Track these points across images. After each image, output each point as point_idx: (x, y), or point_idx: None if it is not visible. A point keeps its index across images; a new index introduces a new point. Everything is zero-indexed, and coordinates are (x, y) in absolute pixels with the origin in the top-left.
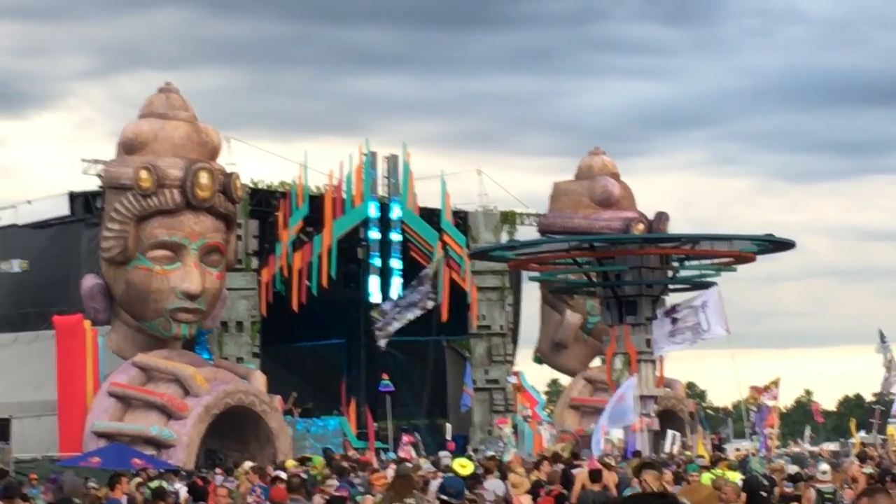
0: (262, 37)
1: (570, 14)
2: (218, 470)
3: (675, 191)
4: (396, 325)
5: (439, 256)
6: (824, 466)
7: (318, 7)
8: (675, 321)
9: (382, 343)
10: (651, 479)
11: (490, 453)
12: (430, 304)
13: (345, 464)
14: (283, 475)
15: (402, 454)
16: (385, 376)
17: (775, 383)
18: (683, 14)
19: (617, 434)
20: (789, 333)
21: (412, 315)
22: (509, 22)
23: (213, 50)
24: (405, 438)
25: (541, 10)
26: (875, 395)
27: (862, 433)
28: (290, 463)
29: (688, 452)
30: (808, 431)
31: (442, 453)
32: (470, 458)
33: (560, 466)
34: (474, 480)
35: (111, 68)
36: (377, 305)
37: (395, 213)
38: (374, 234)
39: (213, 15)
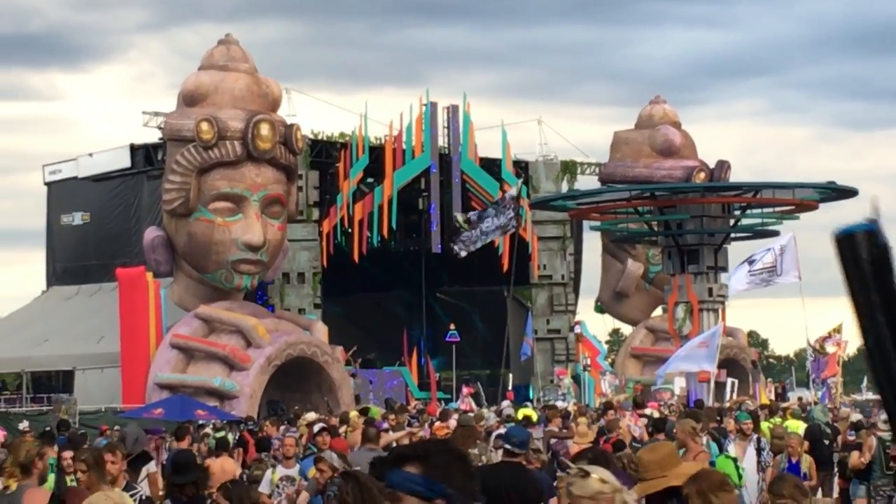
0: None
1: None
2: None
3: (736, 139)
4: (480, 244)
5: (519, 181)
6: (885, 415)
7: None
8: (751, 262)
9: (463, 253)
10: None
11: (552, 402)
12: (512, 230)
13: (406, 413)
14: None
15: (462, 406)
16: (452, 326)
17: (837, 329)
18: None
19: (679, 383)
20: None
21: (496, 236)
22: None
23: (270, 2)
24: (465, 390)
25: None
26: None
27: None
28: (353, 414)
29: (748, 402)
30: (865, 381)
31: (504, 403)
32: (533, 407)
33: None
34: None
35: (170, 21)
36: (464, 215)
37: (456, 158)
38: (435, 184)
39: None
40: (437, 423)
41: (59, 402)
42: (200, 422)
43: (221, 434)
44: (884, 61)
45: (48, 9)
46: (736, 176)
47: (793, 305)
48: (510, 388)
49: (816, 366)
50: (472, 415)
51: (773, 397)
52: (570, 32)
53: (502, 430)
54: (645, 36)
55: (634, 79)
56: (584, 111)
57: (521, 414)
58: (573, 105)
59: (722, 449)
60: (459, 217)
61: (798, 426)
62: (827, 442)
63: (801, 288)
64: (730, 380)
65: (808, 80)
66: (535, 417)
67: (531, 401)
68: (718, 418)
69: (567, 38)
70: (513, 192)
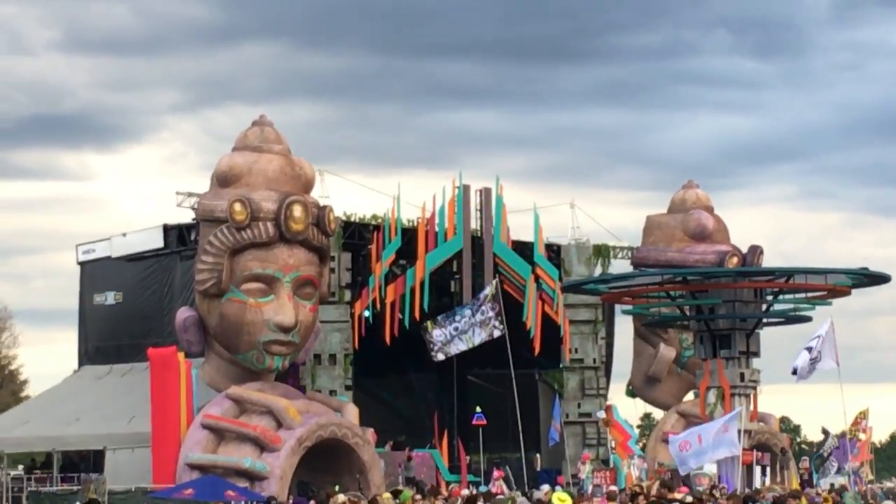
0: (350, 71)
1: (658, 47)
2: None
3: (767, 224)
4: (461, 346)
5: (495, 281)
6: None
7: (405, 41)
8: (810, 350)
9: (440, 356)
10: None
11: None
12: (497, 333)
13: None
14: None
15: (493, 489)
16: (478, 409)
17: (864, 414)
18: (773, 48)
19: (710, 469)
20: (885, 368)
21: (479, 339)
22: (596, 55)
23: (301, 84)
24: (496, 473)
25: (628, 44)
26: None
27: None
28: (385, 496)
29: (777, 487)
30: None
31: (544, 488)
32: (570, 493)
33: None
34: None
35: (202, 102)
36: (432, 321)
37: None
38: (467, 267)
39: (302, 49)
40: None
41: (87, 481)
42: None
43: None
44: None
45: (80, 90)
46: (767, 261)
47: (825, 391)
48: (539, 468)
49: (843, 451)
50: (502, 497)
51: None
52: (598, 116)
53: None
54: (674, 121)
55: (665, 163)
56: (616, 195)
57: (555, 498)
58: (605, 189)
59: None
60: (428, 324)
61: None
62: None
63: (840, 374)
64: (758, 465)
65: (837, 165)
66: (569, 503)
67: (565, 488)
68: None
69: (596, 122)
70: (486, 291)
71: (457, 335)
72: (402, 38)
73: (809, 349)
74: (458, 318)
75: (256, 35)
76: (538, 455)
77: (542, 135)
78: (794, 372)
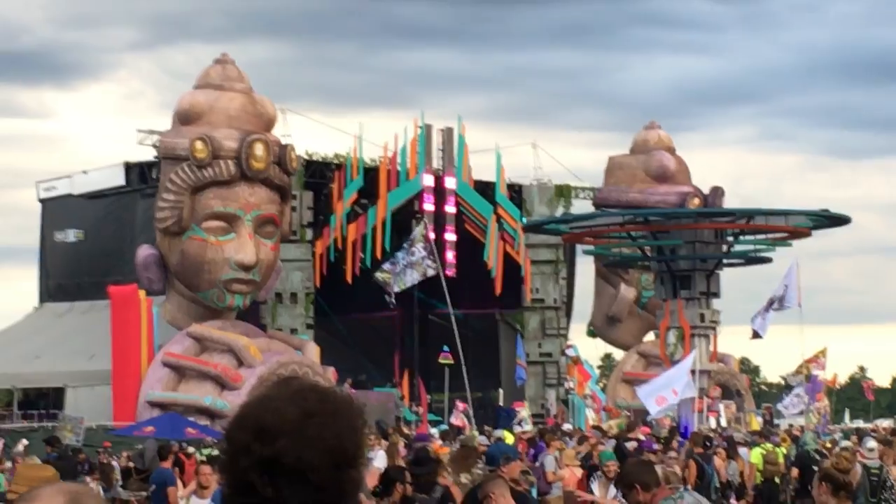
0: (308, 9)
1: None
2: None
3: (726, 166)
4: (396, 288)
5: (423, 222)
6: (871, 444)
7: None
8: (771, 303)
9: (396, 289)
10: None
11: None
12: (431, 272)
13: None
14: None
15: (455, 421)
16: (446, 351)
17: (822, 353)
18: None
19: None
20: (842, 310)
21: (411, 279)
22: None
23: (260, 22)
24: (460, 405)
25: None
26: None
27: None
28: None
29: (739, 427)
30: (847, 415)
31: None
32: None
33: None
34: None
35: (159, 40)
36: (381, 271)
37: (451, 182)
38: (429, 206)
39: None
40: (436, 444)
41: (63, 419)
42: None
43: (208, 451)
44: (872, 90)
45: (37, 26)
46: (726, 203)
47: (784, 332)
48: (500, 404)
49: (812, 388)
50: (464, 437)
51: (761, 423)
52: (558, 57)
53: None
54: (633, 62)
55: (624, 104)
56: (577, 136)
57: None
58: (566, 130)
59: (705, 473)
60: (379, 275)
61: (780, 453)
62: (816, 469)
63: (801, 315)
64: (722, 403)
65: (796, 107)
66: (510, 440)
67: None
68: (706, 443)
69: (556, 62)
70: (415, 232)
71: (395, 276)
72: None
73: (769, 304)
74: (398, 260)
75: None
76: (500, 391)
77: (502, 75)
78: (756, 335)
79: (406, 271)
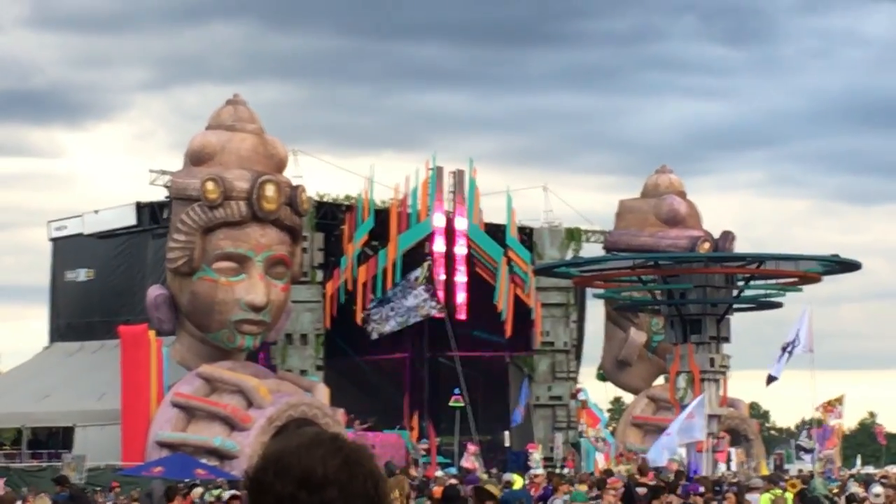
0: (319, 51)
1: (626, 32)
2: None
3: (736, 210)
4: (395, 326)
5: (427, 264)
6: (877, 489)
7: (375, 23)
8: (785, 348)
9: (374, 335)
10: None
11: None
12: (434, 313)
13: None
14: None
15: (466, 464)
16: (457, 394)
17: (839, 400)
18: (741, 34)
19: (680, 452)
20: (852, 355)
21: (414, 320)
22: (566, 39)
23: (271, 64)
24: (470, 448)
25: (597, 28)
26: None
27: None
28: None
29: (751, 472)
30: (858, 461)
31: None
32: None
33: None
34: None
35: (171, 80)
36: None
37: (461, 224)
38: (439, 247)
39: (272, 29)
40: (435, 487)
41: (67, 458)
42: (196, 481)
43: (217, 492)
44: (882, 136)
45: (49, 66)
46: (736, 247)
47: (795, 377)
48: (508, 445)
49: (822, 436)
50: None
51: (772, 468)
52: (569, 100)
53: None
54: (644, 106)
55: (635, 148)
56: (588, 179)
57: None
58: (577, 173)
59: None
60: (363, 315)
61: (789, 498)
62: None
63: (813, 360)
64: (732, 449)
65: (806, 152)
66: (518, 484)
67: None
68: (717, 488)
69: (566, 105)
70: (415, 273)
71: (393, 315)
72: (371, 19)
73: (784, 349)
74: (390, 298)
75: (226, 14)
76: (507, 433)
77: (513, 118)
78: (771, 379)
79: (410, 313)
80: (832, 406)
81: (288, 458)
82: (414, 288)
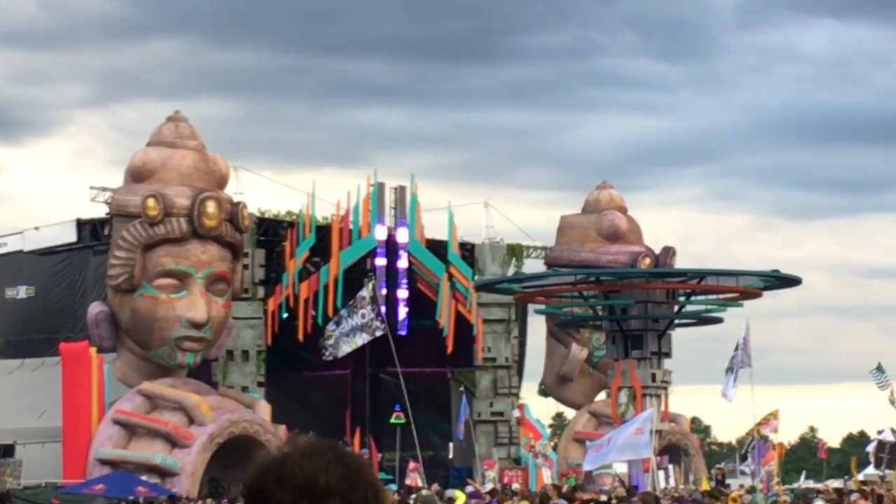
0: (258, 67)
1: (565, 48)
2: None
3: (675, 226)
4: (347, 348)
5: (372, 283)
6: (818, 503)
7: (313, 39)
8: (731, 368)
9: (328, 357)
10: None
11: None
12: (379, 333)
13: None
14: None
15: (408, 481)
16: (398, 410)
17: (774, 415)
18: (679, 50)
19: (620, 468)
20: (792, 370)
21: (362, 340)
22: (504, 55)
23: (210, 80)
24: (412, 465)
25: (536, 44)
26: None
27: (870, 468)
28: None
29: (692, 486)
30: (802, 476)
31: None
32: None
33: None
34: None
35: (109, 97)
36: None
37: (403, 236)
38: (381, 261)
39: (210, 45)
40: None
41: (4, 465)
42: (140, 498)
43: None
44: (820, 151)
45: None
46: (676, 262)
47: (736, 392)
48: (452, 467)
49: (757, 453)
50: (426, 492)
51: (713, 484)
52: (509, 116)
53: None
54: (584, 121)
55: (575, 163)
56: (529, 195)
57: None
58: (518, 189)
59: None
60: (326, 330)
61: None
62: None
63: (752, 375)
64: (670, 466)
65: (745, 168)
66: (461, 500)
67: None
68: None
69: (506, 121)
70: (363, 292)
71: (341, 337)
72: (309, 35)
73: (730, 369)
74: (341, 320)
75: (164, 30)
76: (451, 444)
77: (454, 134)
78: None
79: (355, 333)
80: (767, 420)
81: (290, 467)
82: (362, 307)
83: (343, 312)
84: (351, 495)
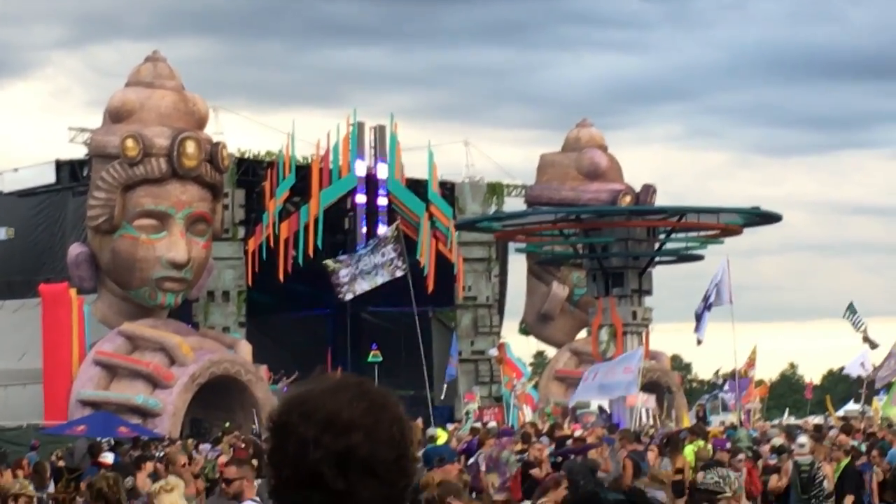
0: (236, 7)
1: None
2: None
3: (655, 164)
4: (365, 286)
5: (397, 223)
6: (802, 439)
7: None
8: (706, 299)
9: (349, 296)
10: None
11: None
12: (400, 273)
13: None
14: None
15: None
16: (375, 348)
17: (753, 353)
18: None
19: (595, 405)
20: (772, 307)
21: (382, 279)
22: None
23: (188, 20)
24: None
25: None
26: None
27: (850, 404)
28: None
29: (671, 424)
30: (786, 413)
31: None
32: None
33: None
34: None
35: (86, 38)
36: (334, 260)
37: (383, 173)
38: (361, 198)
39: None
40: None
41: None
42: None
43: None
44: (798, 88)
45: None
46: (656, 200)
47: (716, 330)
48: (433, 406)
49: (736, 390)
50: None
51: (694, 420)
52: (487, 55)
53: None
54: (561, 60)
55: (555, 102)
56: (509, 134)
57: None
58: (497, 127)
59: (640, 470)
60: (330, 263)
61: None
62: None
63: (733, 313)
64: (644, 407)
65: (723, 105)
66: (442, 439)
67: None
68: (639, 439)
69: (484, 60)
70: (385, 232)
71: (359, 274)
72: None
73: (704, 307)
74: (361, 256)
75: None
76: (445, 386)
77: (432, 73)
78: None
79: (377, 270)
80: (751, 362)
81: (313, 402)
82: (384, 246)
83: (361, 250)
84: (376, 430)
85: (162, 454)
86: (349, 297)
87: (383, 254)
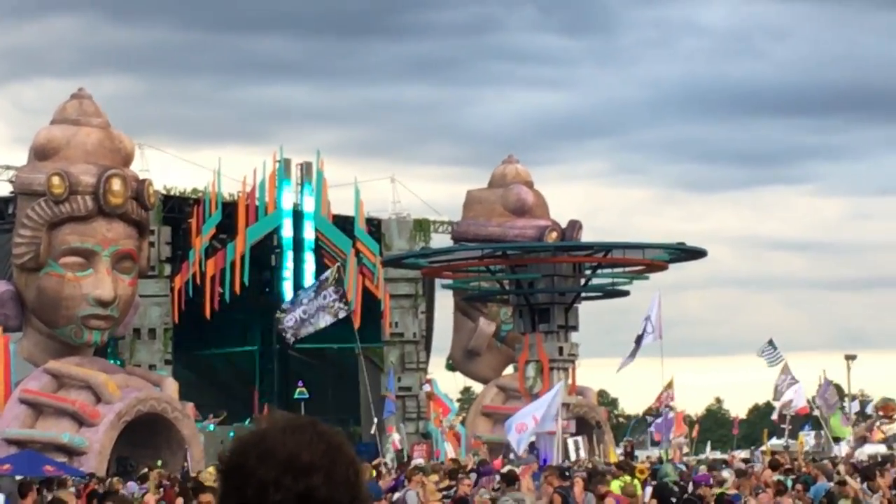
0: (160, 44)
1: (466, 24)
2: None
3: (580, 200)
4: (310, 329)
5: (337, 265)
6: (725, 474)
7: (215, 16)
8: (638, 338)
9: (292, 339)
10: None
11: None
12: (343, 314)
13: None
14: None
15: None
16: (301, 385)
17: (669, 385)
18: (580, 25)
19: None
20: (697, 342)
21: (324, 322)
22: (406, 30)
23: (111, 57)
24: None
25: (438, 19)
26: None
27: (773, 439)
28: (210, 471)
29: (598, 458)
30: (708, 447)
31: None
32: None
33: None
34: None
35: (9, 75)
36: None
37: (310, 206)
38: (288, 233)
39: (111, 22)
40: None
41: None
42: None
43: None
44: (721, 124)
45: None
46: (582, 236)
47: (643, 364)
48: (360, 442)
49: (666, 423)
50: None
51: (622, 456)
52: (411, 92)
53: None
54: (487, 96)
55: (481, 139)
56: (435, 170)
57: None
58: (423, 164)
59: None
60: (278, 313)
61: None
62: (674, 500)
63: (661, 347)
64: (578, 438)
65: (647, 141)
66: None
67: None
68: (565, 474)
69: (409, 97)
70: (328, 274)
71: (305, 318)
72: (211, 11)
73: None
74: (302, 301)
75: (63, 7)
76: (377, 421)
77: (359, 110)
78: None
79: (319, 314)
80: (669, 394)
81: (271, 442)
82: (325, 288)
83: (302, 295)
84: (333, 472)
85: (50, 498)
86: (292, 340)
87: (325, 296)
